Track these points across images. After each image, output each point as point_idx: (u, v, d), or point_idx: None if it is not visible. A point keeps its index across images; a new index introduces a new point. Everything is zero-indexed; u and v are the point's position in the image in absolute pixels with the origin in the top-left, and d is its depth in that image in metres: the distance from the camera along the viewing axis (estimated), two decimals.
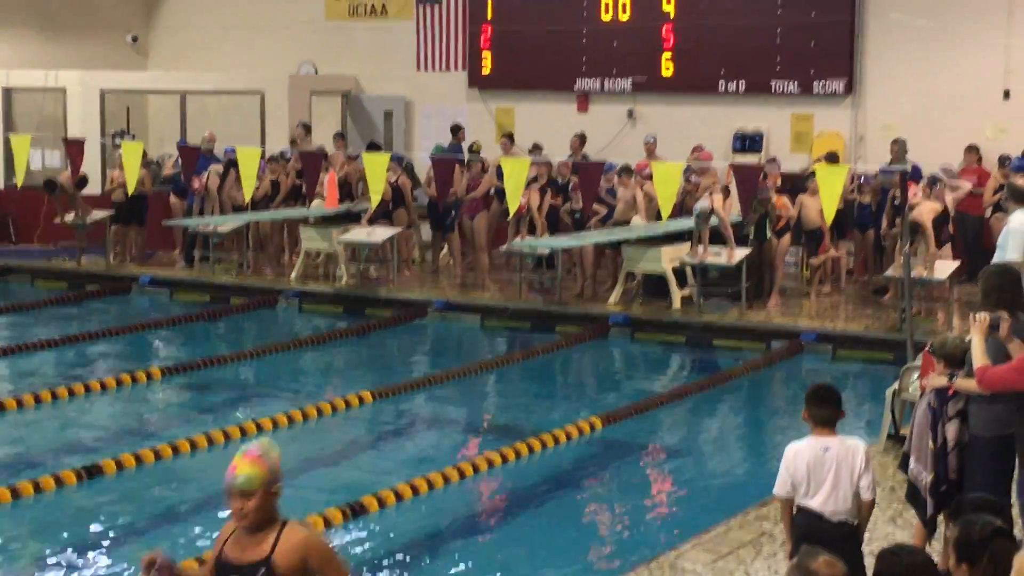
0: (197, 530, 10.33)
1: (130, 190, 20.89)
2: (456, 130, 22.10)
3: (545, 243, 18.59)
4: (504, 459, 12.02)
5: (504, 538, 10.52)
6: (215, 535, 9.33)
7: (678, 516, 11.09)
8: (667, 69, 22.00)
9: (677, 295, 17.96)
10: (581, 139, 21.21)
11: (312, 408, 13.53)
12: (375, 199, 18.84)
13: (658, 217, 17.84)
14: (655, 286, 18.41)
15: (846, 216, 18.50)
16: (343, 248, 19.95)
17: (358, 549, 9.95)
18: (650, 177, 18.17)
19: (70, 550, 10.04)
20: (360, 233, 19.82)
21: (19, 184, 21.64)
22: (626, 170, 18.98)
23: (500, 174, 18.94)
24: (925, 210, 16.71)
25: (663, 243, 18.03)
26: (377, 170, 18.63)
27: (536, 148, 20.81)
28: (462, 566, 9.80)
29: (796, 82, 21.13)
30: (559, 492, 11.70)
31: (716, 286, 18.27)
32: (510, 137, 21.14)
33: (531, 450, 12.32)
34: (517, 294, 18.91)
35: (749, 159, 20.43)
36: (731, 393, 15.09)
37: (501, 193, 19.17)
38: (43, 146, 23.03)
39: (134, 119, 24.34)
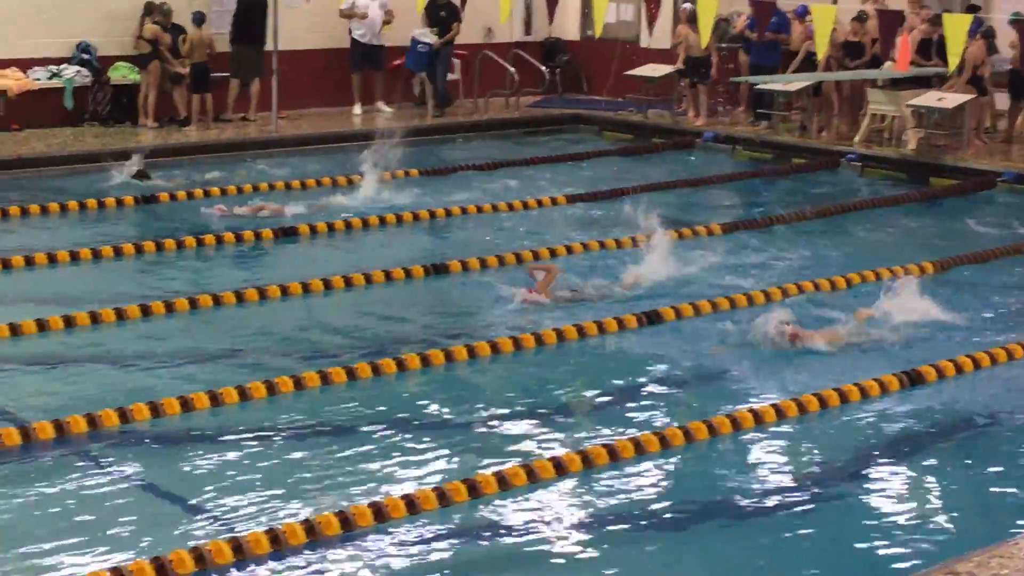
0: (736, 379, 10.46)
1: (703, 45, 21.00)
2: None
3: None
4: None
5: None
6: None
7: None
8: None
9: None
10: None
11: (871, 273, 13.33)
12: (952, 63, 18.11)
13: None
14: None
15: None
16: (911, 113, 19.38)
17: (921, 418, 9.81)
18: None
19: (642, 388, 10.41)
20: (931, 98, 19.16)
21: (597, 35, 22.18)
22: None
23: None
24: None
25: None
26: (957, 33, 17.87)
27: None
28: None
29: None
30: None
31: None
32: None
33: None
34: None
35: None
36: None
37: None
38: None
39: None
